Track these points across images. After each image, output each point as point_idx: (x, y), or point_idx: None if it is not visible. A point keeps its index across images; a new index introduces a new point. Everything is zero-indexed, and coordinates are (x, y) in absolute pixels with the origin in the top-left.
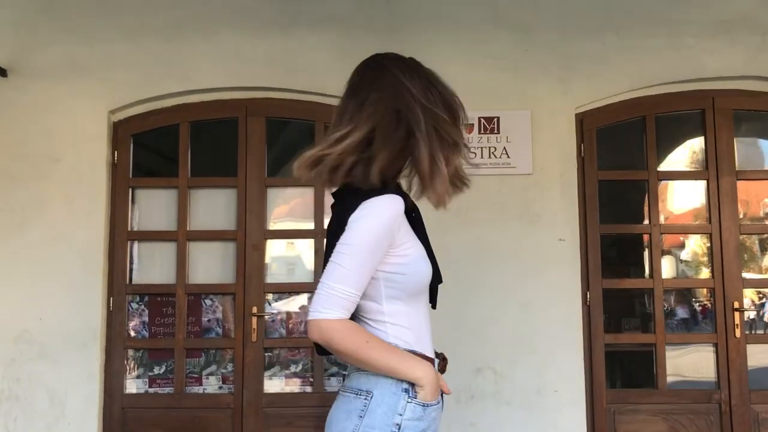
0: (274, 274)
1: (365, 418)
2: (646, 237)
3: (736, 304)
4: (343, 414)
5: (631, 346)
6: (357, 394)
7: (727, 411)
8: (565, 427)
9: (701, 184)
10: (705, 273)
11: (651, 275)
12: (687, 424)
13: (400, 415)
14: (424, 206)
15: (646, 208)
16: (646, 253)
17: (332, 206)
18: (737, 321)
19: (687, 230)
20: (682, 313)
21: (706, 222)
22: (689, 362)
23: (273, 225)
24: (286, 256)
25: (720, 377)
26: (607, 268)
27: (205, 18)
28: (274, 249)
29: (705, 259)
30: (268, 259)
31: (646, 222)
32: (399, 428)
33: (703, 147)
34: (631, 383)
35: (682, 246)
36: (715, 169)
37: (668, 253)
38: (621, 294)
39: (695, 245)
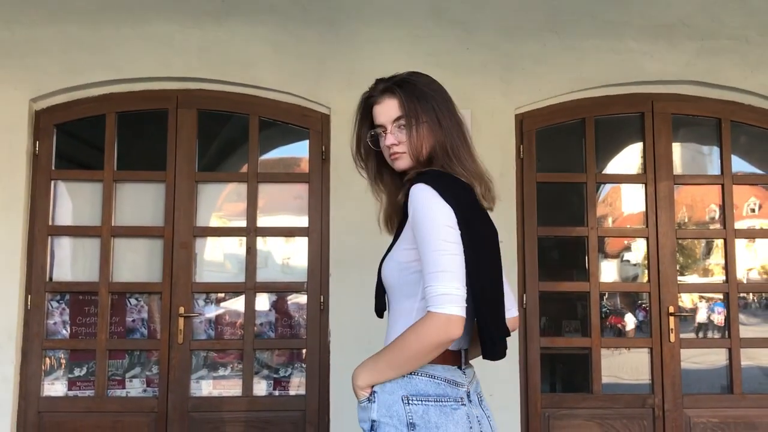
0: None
1: None
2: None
3: (671, 309)
4: None
5: (568, 350)
6: None
7: (660, 415)
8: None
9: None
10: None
11: (588, 278)
12: (621, 428)
13: None
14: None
15: (585, 211)
16: (584, 259)
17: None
18: (672, 325)
19: (624, 234)
20: (629, 316)
21: (644, 226)
22: (625, 365)
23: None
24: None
25: (654, 382)
26: (548, 271)
27: (135, 4)
28: (206, 247)
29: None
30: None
31: (584, 225)
32: None
33: (642, 151)
34: (567, 387)
35: (628, 249)
36: (653, 173)
37: (614, 256)
38: (562, 296)
39: (640, 248)
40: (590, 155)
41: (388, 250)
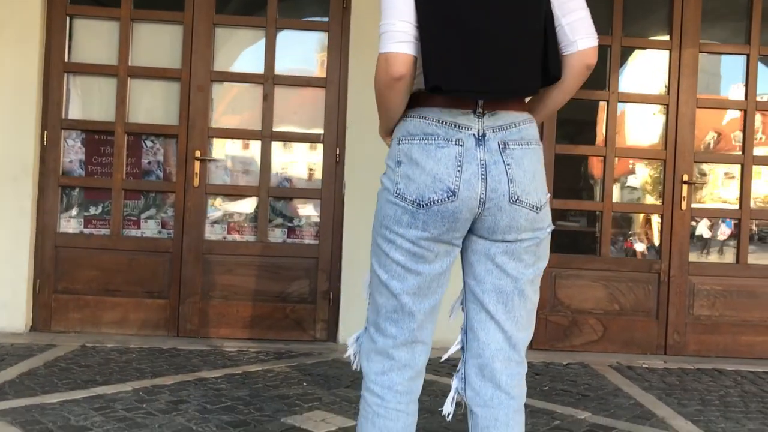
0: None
1: None
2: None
3: (686, 177)
4: (539, 164)
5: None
6: (539, 144)
7: (665, 281)
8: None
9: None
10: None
11: (605, 143)
12: (625, 291)
13: None
14: None
15: (606, 76)
16: (602, 125)
17: None
18: (684, 193)
19: (645, 100)
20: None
21: (665, 94)
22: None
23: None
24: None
25: (662, 248)
26: (565, 135)
27: None
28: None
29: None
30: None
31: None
32: None
33: (669, 15)
34: (575, 250)
35: (632, 173)
36: (678, 39)
37: (616, 181)
38: (578, 160)
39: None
40: (617, 18)
41: None
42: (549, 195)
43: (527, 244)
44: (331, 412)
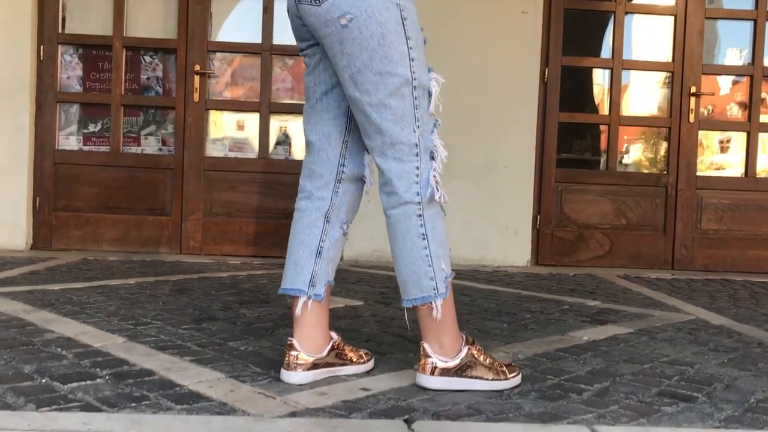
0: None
1: None
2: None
3: (693, 89)
4: None
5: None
6: None
7: (673, 194)
8: (511, 202)
9: None
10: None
11: (612, 56)
12: (633, 205)
13: None
14: None
15: None
16: (609, 34)
17: None
18: (692, 106)
19: (652, 11)
20: None
21: (673, 5)
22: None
23: None
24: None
25: (669, 162)
26: (572, 47)
27: None
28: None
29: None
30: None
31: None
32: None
33: None
34: (582, 164)
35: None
36: None
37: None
38: (584, 73)
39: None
40: None
41: None
42: None
43: (329, 42)
44: (337, 296)
